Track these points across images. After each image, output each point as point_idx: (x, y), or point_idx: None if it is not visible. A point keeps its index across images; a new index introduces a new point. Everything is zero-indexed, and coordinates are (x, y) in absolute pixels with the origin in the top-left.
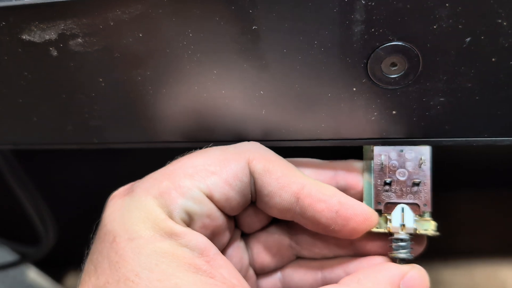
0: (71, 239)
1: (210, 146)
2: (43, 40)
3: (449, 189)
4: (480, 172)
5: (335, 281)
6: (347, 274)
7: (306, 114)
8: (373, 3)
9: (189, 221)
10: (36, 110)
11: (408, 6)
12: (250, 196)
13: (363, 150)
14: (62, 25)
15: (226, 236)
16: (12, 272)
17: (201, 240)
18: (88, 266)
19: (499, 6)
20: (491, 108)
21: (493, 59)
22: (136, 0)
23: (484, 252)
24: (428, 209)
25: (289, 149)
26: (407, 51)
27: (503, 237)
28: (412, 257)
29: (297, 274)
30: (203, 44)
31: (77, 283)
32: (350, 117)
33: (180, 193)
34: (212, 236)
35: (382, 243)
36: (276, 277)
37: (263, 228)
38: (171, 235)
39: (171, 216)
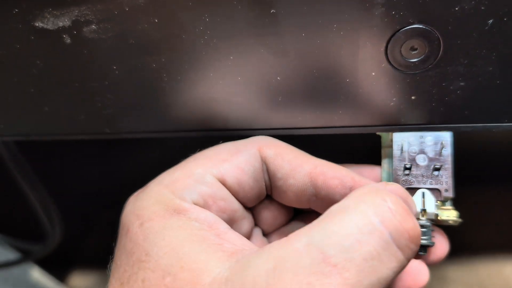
0: (75, 238)
1: (222, 141)
2: (56, 27)
3: (455, 181)
4: (484, 167)
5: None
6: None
7: (323, 101)
8: None
9: (203, 204)
10: (47, 99)
11: None
12: (264, 184)
13: (382, 138)
14: (76, 11)
15: (245, 226)
16: (16, 271)
17: (210, 215)
18: (112, 266)
19: None
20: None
21: None
22: None
23: (488, 249)
24: (450, 194)
25: (305, 137)
26: (428, 34)
27: (508, 233)
28: (433, 244)
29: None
30: (219, 29)
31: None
32: (368, 103)
33: (193, 180)
34: (231, 222)
35: None
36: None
37: (282, 227)
38: (179, 211)
39: (181, 198)
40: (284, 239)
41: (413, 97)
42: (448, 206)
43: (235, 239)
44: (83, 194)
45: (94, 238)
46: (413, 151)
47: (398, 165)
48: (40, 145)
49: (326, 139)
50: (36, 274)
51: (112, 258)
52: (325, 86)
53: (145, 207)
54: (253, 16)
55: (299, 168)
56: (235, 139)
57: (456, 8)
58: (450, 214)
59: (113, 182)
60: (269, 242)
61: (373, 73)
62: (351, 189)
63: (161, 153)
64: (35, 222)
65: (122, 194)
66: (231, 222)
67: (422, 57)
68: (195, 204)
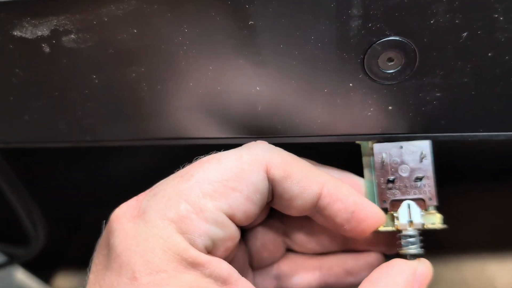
0: (60, 240)
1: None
2: (35, 36)
3: (437, 184)
4: (469, 167)
5: (333, 280)
6: (347, 272)
7: (302, 110)
8: None
9: (212, 247)
10: (27, 108)
11: (406, 1)
12: (265, 205)
13: (361, 147)
14: (55, 20)
15: (241, 258)
16: (0, 273)
17: (224, 267)
18: None
19: (496, 0)
20: (487, 103)
21: (490, 54)
22: None
23: (473, 247)
24: (434, 203)
25: (285, 145)
26: (404, 46)
27: (491, 232)
28: (423, 252)
29: (295, 272)
30: (198, 40)
31: None
32: (346, 113)
33: (203, 218)
34: (229, 254)
35: (373, 237)
36: (271, 274)
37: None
38: (194, 266)
39: (193, 244)
40: None
41: (390, 107)
42: (432, 210)
43: None
44: (68, 197)
45: (79, 240)
46: (395, 162)
47: (381, 177)
48: (23, 150)
49: (309, 145)
50: (21, 275)
51: (88, 282)
52: (304, 96)
53: (154, 253)
54: (232, 27)
55: (308, 189)
56: (215, 147)
57: (432, 21)
58: (435, 221)
59: (98, 185)
60: (246, 242)
61: (351, 84)
62: (352, 214)
63: (145, 157)
64: (19, 226)
65: (107, 197)
66: (230, 253)
67: (398, 68)
68: (206, 248)
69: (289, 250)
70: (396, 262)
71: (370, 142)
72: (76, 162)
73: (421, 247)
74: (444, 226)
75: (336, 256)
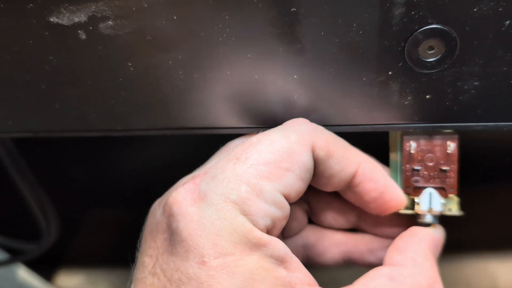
0: (62, 238)
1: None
2: (72, 22)
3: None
4: (469, 166)
5: (356, 256)
6: (370, 251)
7: (338, 99)
8: None
9: (271, 227)
10: (59, 96)
11: None
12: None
13: (390, 136)
14: (93, 7)
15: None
16: (2, 270)
17: (282, 247)
18: (166, 283)
19: None
20: None
21: None
22: None
23: (474, 246)
24: (454, 193)
25: None
26: (446, 34)
27: (493, 231)
28: (437, 221)
29: (321, 243)
30: (238, 27)
31: None
32: (383, 102)
33: (263, 199)
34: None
35: (385, 225)
36: (299, 243)
37: (295, 235)
38: (258, 247)
39: (256, 225)
40: None
41: (427, 96)
42: (451, 194)
43: (301, 272)
44: (70, 194)
45: (81, 238)
46: (422, 150)
47: (407, 164)
48: (36, 143)
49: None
50: (23, 273)
51: (138, 262)
52: (341, 85)
53: (221, 236)
54: (273, 14)
55: (347, 169)
56: (195, 157)
57: (475, 9)
58: (452, 206)
59: (100, 182)
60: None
61: (390, 72)
62: (380, 194)
63: (150, 155)
64: (31, 222)
65: (109, 194)
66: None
67: (438, 57)
68: (266, 228)
69: (314, 224)
70: (416, 229)
71: (398, 133)
72: (80, 160)
73: (436, 218)
74: (461, 213)
75: (361, 235)
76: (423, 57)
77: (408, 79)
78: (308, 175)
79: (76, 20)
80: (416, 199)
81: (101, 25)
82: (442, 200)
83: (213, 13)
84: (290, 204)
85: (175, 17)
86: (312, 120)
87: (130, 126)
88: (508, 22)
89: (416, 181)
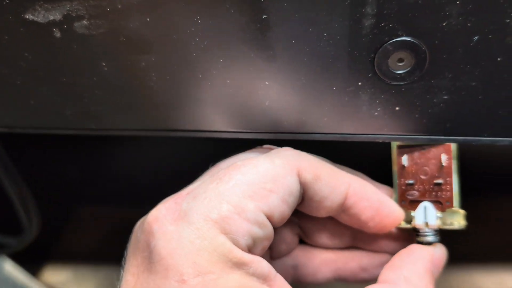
0: (49, 233)
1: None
2: (47, 20)
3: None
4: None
5: (347, 274)
6: (361, 268)
7: (309, 107)
8: None
9: (252, 246)
10: (34, 92)
11: (420, 1)
12: (297, 204)
13: (391, 147)
14: (68, 6)
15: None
16: None
17: (265, 265)
18: None
19: (509, 6)
20: (493, 108)
21: (499, 59)
22: None
23: (460, 258)
24: (450, 206)
25: (289, 142)
26: (415, 47)
27: (478, 242)
28: (438, 240)
29: (311, 263)
30: (211, 31)
31: None
32: (353, 112)
33: (245, 218)
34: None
35: (383, 240)
36: (289, 264)
37: (284, 256)
38: (239, 265)
39: (236, 244)
40: None
41: (397, 108)
42: (456, 207)
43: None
44: (59, 189)
45: (69, 235)
46: (416, 164)
47: (401, 178)
48: (17, 139)
49: (335, 144)
50: (8, 267)
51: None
52: (312, 93)
53: (201, 255)
54: (245, 20)
55: (336, 189)
56: (220, 141)
57: (444, 24)
58: (454, 220)
59: (91, 177)
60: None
61: (360, 83)
62: (377, 210)
63: (140, 154)
64: (10, 216)
65: (100, 192)
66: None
67: (408, 69)
68: (248, 247)
69: (303, 242)
70: (415, 247)
71: (393, 143)
72: (69, 155)
73: (437, 236)
74: (462, 227)
75: (351, 252)
76: (393, 68)
77: (377, 90)
78: (292, 199)
79: (51, 18)
80: (412, 213)
81: (76, 24)
82: (439, 214)
83: (186, 17)
84: (281, 227)
85: (148, 20)
86: (283, 127)
87: (104, 126)
88: (476, 37)
89: (411, 194)
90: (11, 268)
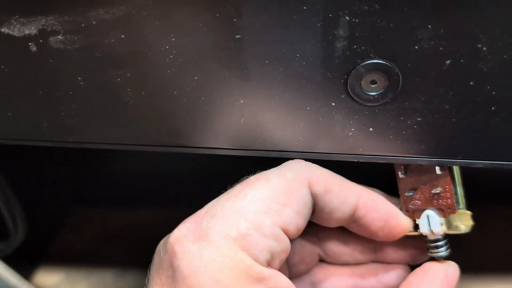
0: (42, 235)
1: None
2: (22, 34)
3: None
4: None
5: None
6: (377, 281)
7: (284, 126)
8: (357, 20)
9: (270, 260)
10: (11, 104)
11: (391, 25)
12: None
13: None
14: (43, 20)
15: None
16: None
17: (284, 280)
18: None
19: (480, 31)
20: (467, 131)
21: (472, 83)
22: (120, 1)
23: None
24: (453, 212)
25: (264, 159)
26: (388, 69)
27: (475, 252)
28: (449, 254)
29: (328, 279)
30: (185, 49)
31: None
32: (327, 132)
33: (262, 234)
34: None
35: (401, 251)
36: (307, 281)
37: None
38: (259, 281)
39: (256, 259)
40: None
41: (371, 129)
42: (461, 209)
43: None
44: (52, 191)
45: (61, 236)
46: (414, 174)
47: (402, 188)
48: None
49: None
50: (0, 269)
51: None
52: (286, 112)
53: (224, 273)
54: (219, 39)
55: (347, 202)
56: (199, 156)
57: (416, 47)
58: (460, 223)
59: (84, 180)
60: None
61: (333, 103)
62: (385, 222)
63: (138, 153)
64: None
65: (92, 192)
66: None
67: (381, 91)
68: (267, 262)
69: (321, 260)
70: (430, 265)
71: None
72: (62, 159)
73: (447, 249)
74: (468, 229)
75: (367, 265)
76: (366, 90)
77: (351, 111)
78: (306, 210)
79: (27, 32)
80: (417, 221)
81: (51, 39)
82: (442, 221)
83: (160, 35)
84: (301, 248)
85: (122, 36)
86: (259, 145)
87: (81, 139)
88: (449, 61)
89: (414, 204)
90: (2, 270)
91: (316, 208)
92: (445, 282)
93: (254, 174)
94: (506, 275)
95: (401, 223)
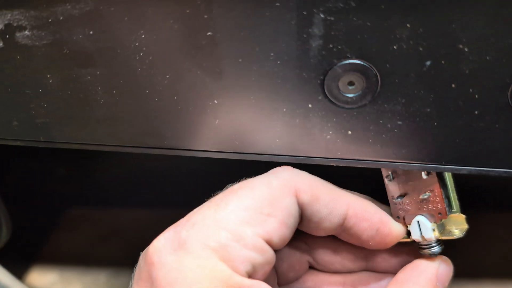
0: (34, 235)
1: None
2: None
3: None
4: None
5: None
6: None
7: (261, 128)
8: (332, 18)
9: (252, 272)
10: None
11: (368, 23)
12: (296, 224)
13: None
14: (9, 15)
15: (271, 279)
16: None
17: None
18: None
19: (461, 31)
20: (449, 135)
21: (453, 85)
22: None
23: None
24: (444, 217)
25: (241, 163)
26: (366, 70)
27: (469, 258)
28: (442, 250)
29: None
30: (155, 46)
31: None
32: (304, 134)
33: (243, 245)
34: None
35: (393, 259)
36: None
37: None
38: None
39: (236, 270)
40: None
41: (349, 132)
42: (455, 212)
43: None
44: (46, 191)
45: (55, 236)
46: (402, 180)
47: (391, 194)
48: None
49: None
50: None
51: None
52: (262, 114)
53: (202, 282)
54: (189, 36)
55: (335, 211)
56: (172, 158)
57: (395, 47)
58: (453, 226)
59: (79, 180)
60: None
61: (310, 105)
62: (377, 231)
63: (133, 154)
64: None
65: (87, 192)
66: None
67: (359, 92)
68: (247, 273)
69: (312, 267)
70: (419, 262)
71: None
72: (58, 157)
73: (440, 246)
74: (463, 233)
75: (359, 274)
76: (344, 92)
77: (328, 113)
78: (292, 220)
79: None
80: (409, 227)
81: (18, 34)
82: (433, 226)
83: (129, 31)
84: (290, 256)
85: (91, 32)
86: (235, 147)
87: (53, 138)
88: (429, 62)
89: (404, 210)
90: None
91: (303, 217)
92: (434, 279)
93: (239, 181)
94: (500, 281)
95: (392, 231)
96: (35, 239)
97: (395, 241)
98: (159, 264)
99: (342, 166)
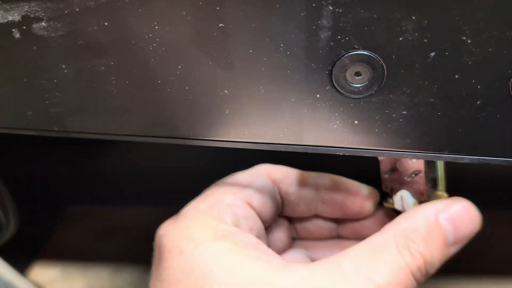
0: (37, 230)
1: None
2: (5, 20)
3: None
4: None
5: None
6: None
7: (269, 117)
8: (340, 10)
9: (238, 223)
10: None
11: (375, 15)
12: (279, 202)
13: None
14: (26, 6)
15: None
16: None
17: (251, 236)
18: (160, 285)
19: (465, 23)
20: (453, 126)
21: (457, 76)
22: None
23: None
24: (424, 198)
25: (250, 152)
26: (372, 61)
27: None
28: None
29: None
30: (168, 38)
31: None
32: (312, 124)
33: (226, 204)
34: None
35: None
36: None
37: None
38: (228, 236)
39: (222, 221)
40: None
41: (356, 122)
42: (440, 191)
43: (277, 255)
44: (49, 187)
45: (57, 232)
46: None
47: (383, 168)
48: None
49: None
50: None
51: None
52: (271, 104)
53: (194, 232)
54: (202, 28)
55: (306, 182)
56: (182, 147)
57: (400, 38)
58: None
59: (82, 176)
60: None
61: (318, 95)
62: (349, 195)
63: (135, 149)
64: None
65: (89, 188)
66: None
67: (366, 83)
68: (233, 224)
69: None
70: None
71: None
72: (61, 153)
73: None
74: None
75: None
76: (351, 82)
77: (336, 103)
78: (267, 191)
79: (10, 18)
80: (394, 198)
81: (35, 26)
82: (415, 203)
83: (143, 22)
84: (273, 232)
85: (106, 24)
86: (244, 136)
87: (66, 128)
88: (433, 54)
89: (392, 183)
90: None
91: (281, 192)
92: (434, 222)
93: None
94: (500, 280)
95: (362, 190)
96: (38, 235)
97: (371, 203)
98: (162, 235)
99: (343, 156)
